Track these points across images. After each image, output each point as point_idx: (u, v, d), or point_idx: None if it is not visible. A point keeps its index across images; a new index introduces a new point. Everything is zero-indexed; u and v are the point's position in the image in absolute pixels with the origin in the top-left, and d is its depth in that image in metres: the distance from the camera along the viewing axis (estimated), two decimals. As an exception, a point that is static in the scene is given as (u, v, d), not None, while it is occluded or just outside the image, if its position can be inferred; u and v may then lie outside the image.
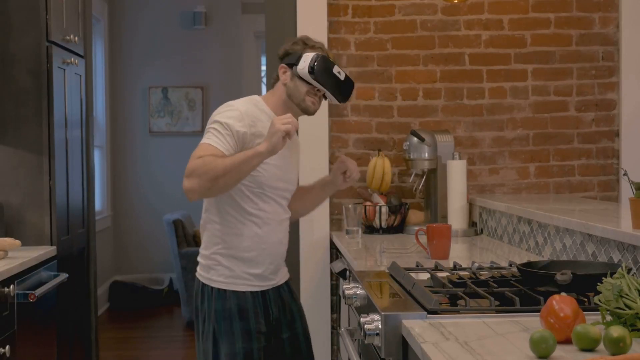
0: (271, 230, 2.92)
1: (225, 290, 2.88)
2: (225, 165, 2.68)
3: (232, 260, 2.89)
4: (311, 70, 2.84)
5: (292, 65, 2.90)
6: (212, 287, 2.90)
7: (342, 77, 2.91)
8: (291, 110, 2.91)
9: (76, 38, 4.22)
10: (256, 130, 2.83)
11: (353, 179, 3.05)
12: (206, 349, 2.88)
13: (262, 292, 2.93)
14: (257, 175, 2.83)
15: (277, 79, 2.96)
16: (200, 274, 2.95)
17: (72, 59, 4.15)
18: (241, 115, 2.82)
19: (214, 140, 2.77)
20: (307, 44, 2.93)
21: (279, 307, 2.97)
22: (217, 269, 2.91)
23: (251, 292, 2.90)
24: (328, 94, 2.91)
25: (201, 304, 2.91)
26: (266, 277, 2.93)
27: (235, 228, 2.88)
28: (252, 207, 2.87)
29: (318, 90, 2.90)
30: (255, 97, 2.97)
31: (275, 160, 2.85)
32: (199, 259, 2.99)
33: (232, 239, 2.89)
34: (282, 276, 3.03)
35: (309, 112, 2.94)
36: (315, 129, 4.35)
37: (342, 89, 2.93)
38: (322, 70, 2.86)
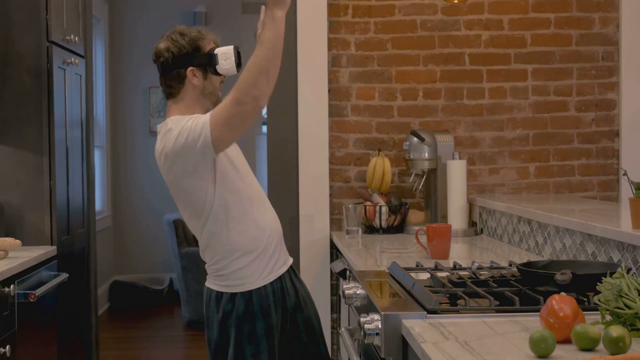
0: (268, 207, 2.89)
1: (249, 291, 2.80)
2: (264, 55, 2.64)
3: (243, 259, 2.81)
4: (239, 65, 2.81)
5: (205, 65, 2.79)
6: (231, 293, 2.80)
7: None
8: (204, 107, 2.84)
9: (76, 38, 4.22)
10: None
11: None
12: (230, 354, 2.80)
13: (280, 277, 2.86)
14: (229, 168, 2.79)
15: (181, 82, 2.80)
16: (213, 282, 2.86)
17: (73, 59, 4.16)
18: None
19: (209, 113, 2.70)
20: (202, 37, 2.82)
21: (294, 292, 2.92)
22: (232, 275, 2.81)
23: (271, 283, 2.81)
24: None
25: (216, 312, 2.83)
26: (279, 256, 2.86)
27: (235, 228, 2.80)
28: (239, 186, 2.80)
29: (222, 81, 2.87)
30: (170, 119, 2.79)
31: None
32: (209, 274, 2.90)
33: (237, 239, 2.80)
34: (287, 257, 2.95)
35: (219, 102, 2.80)
36: (315, 129, 4.35)
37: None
38: (240, 60, 2.83)
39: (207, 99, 2.85)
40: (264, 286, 2.81)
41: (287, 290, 2.88)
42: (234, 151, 2.88)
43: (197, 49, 2.81)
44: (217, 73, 2.82)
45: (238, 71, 2.80)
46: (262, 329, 2.77)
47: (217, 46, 2.86)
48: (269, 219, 2.87)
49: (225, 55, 2.81)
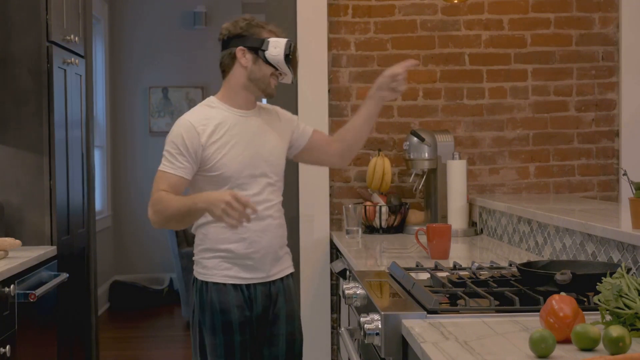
0: (252, 223, 2.77)
1: (207, 282, 2.87)
2: (172, 212, 2.74)
3: (210, 252, 2.88)
4: (287, 57, 2.85)
5: (256, 49, 2.86)
6: (198, 280, 2.91)
7: (297, 56, 2.94)
8: (251, 93, 2.90)
9: (76, 38, 4.22)
10: (210, 130, 2.82)
11: (400, 87, 2.97)
12: (194, 338, 2.92)
13: (247, 285, 2.88)
14: (220, 172, 2.81)
15: (232, 61, 2.90)
16: (194, 268, 2.98)
17: (73, 59, 4.16)
18: (189, 126, 2.82)
19: (167, 166, 2.80)
20: (263, 26, 2.90)
21: (263, 302, 2.90)
22: (199, 263, 2.91)
23: (233, 285, 2.86)
24: (290, 75, 2.91)
25: (194, 295, 2.94)
26: (254, 268, 2.87)
27: (218, 230, 2.85)
28: None
29: (279, 72, 2.89)
30: (210, 98, 2.95)
31: (243, 148, 2.84)
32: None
33: (214, 231, 2.87)
34: (275, 269, 2.94)
35: (272, 95, 2.94)
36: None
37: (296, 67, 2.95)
38: (293, 55, 2.88)
39: (254, 84, 2.89)
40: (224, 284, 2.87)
41: (256, 298, 2.90)
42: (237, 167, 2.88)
43: (252, 34, 2.89)
44: (265, 59, 2.86)
45: (286, 63, 2.85)
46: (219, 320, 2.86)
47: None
48: (256, 228, 2.88)
49: (276, 43, 2.86)
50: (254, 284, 2.89)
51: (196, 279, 2.92)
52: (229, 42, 2.91)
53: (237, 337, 2.85)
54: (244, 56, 2.87)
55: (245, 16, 2.96)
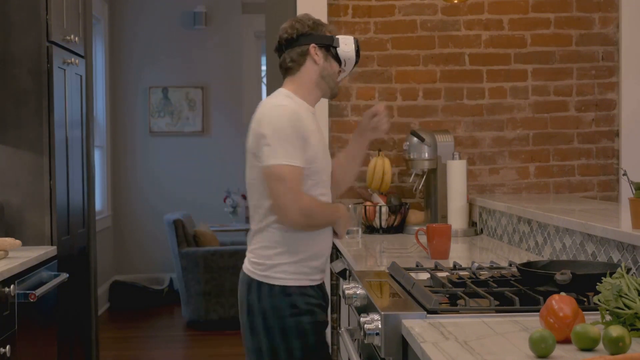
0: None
1: (289, 286, 2.82)
2: (321, 223, 2.85)
3: (298, 255, 2.85)
4: (357, 52, 2.91)
5: (328, 46, 2.89)
6: (271, 285, 2.83)
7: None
8: (320, 90, 2.92)
9: (76, 38, 4.22)
10: (305, 122, 2.79)
11: (382, 126, 3.02)
12: (276, 345, 2.83)
13: (320, 285, 2.91)
14: (312, 166, 2.79)
15: (303, 59, 2.88)
16: (253, 271, 2.87)
17: (73, 59, 4.16)
18: (297, 114, 2.78)
19: (288, 157, 2.72)
20: (325, 25, 2.94)
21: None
22: (277, 267, 2.83)
23: (311, 287, 2.86)
24: (346, 73, 2.97)
25: (258, 300, 2.86)
26: (323, 269, 2.93)
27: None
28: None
29: (341, 69, 2.93)
30: (283, 90, 2.90)
31: (322, 145, 2.88)
32: (250, 256, 2.90)
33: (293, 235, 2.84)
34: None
35: (337, 94, 3.01)
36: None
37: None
38: (359, 53, 2.94)
39: (325, 81, 2.91)
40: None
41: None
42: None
43: (321, 32, 2.92)
44: (337, 56, 2.90)
45: (356, 61, 2.93)
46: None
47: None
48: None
49: (346, 40, 2.92)
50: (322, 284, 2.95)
51: (271, 284, 2.83)
52: (297, 40, 2.89)
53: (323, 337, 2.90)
54: (316, 53, 2.89)
55: (307, 15, 2.97)
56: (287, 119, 2.74)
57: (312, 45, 2.89)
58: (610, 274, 1.91)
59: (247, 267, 2.88)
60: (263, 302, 2.80)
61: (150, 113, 8.25)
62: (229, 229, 7.73)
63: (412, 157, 4.18)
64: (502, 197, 4.23)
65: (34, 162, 3.79)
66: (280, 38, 2.93)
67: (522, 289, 2.26)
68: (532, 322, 1.94)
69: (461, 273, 2.58)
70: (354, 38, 2.94)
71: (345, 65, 2.93)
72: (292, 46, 2.90)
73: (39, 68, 3.79)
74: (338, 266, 3.30)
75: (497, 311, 2.09)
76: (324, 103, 4.37)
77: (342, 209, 2.92)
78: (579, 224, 2.85)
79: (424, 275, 2.63)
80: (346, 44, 2.91)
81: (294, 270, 2.82)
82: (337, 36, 2.92)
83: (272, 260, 2.83)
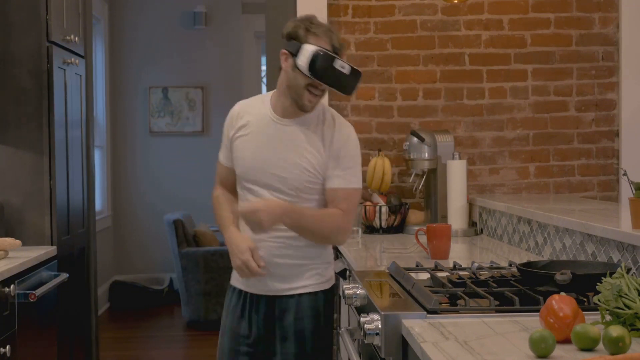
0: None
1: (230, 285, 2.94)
2: (217, 218, 2.91)
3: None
4: (310, 67, 2.62)
5: (293, 54, 2.67)
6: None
7: (346, 70, 2.66)
8: (288, 100, 2.73)
9: (76, 38, 4.22)
10: (243, 124, 2.80)
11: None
12: None
13: (251, 294, 2.79)
14: (236, 168, 2.83)
15: (279, 65, 2.77)
16: None
17: (73, 59, 4.16)
18: (233, 114, 2.85)
19: (220, 152, 2.91)
20: (310, 29, 2.67)
21: (265, 315, 2.78)
22: None
23: (238, 290, 2.83)
24: (331, 88, 2.71)
25: None
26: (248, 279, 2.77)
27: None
28: (240, 200, 2.85)
29: (318, 83, 2.67)
30: (271, 93, 2.85)
31: (260, 152, 2.74)
32: None
33: None
34: (280, 283, 2.77)
35: (305, 110, 2.72)
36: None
37: (347, 83, 2.68)
38: (323, 68, 2.62)
39: (289, 92, 2.72)
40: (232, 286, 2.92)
41: (259, 310, 2.81)
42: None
43: (296, 37, 2.68)
44: (295, 66, 2.67)
45: (311, 75, 2.63)
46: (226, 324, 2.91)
47: (328, 49, 2.66)
48: (258, 239, 2.78)
49: (305, 51, 2.64)
50: (256, 295, 2.82)
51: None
52: (283, 42, 2.75)
53: (241, 346, 2.90)
54: (286, 60, 2.72)
55: (305, 16, 2.78)
56: (228, 117, 2.87)
57: (282, 50, 2.72)
58: (610, 274, 1.91)
59: None
60: None
61: (150, 113, 8.25)
62: (229, 229, 7.70)
63: (412, 157, 4.18)
64: (502, 197, 4.23)
65: (34, 162, 3.79)
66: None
67: (522, 289, 2.26)
68: (532, 322, 1.94)
69: (461, 273, 2.58)
70: (318, 49, 2.62)
71: (319, 80, 2.65)
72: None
73: (39, 68, 3.79)
74: (338, 266, 3.30)
75: (497, 311, 2.09)
76: (324, 103, 4.36)
77: (232, 238, 2.74)
78: (579, 224, 2.85)
79: (424, 275, 2.63)
80: (304, 55, 2.63)
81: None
82: (305, 45, 2.64)
83: None
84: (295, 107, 2.73)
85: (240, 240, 2.73)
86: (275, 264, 2.76)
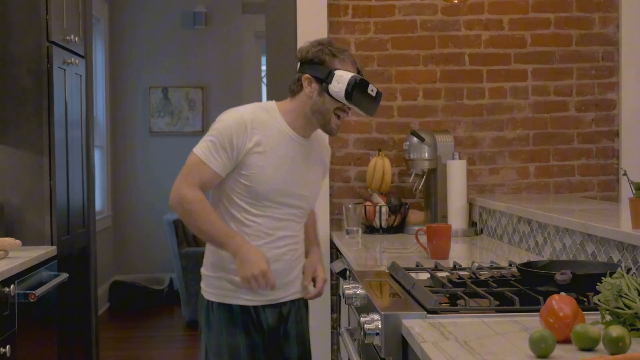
0: (264, 245, 2.73)
1: (212, 302, 2.82)
2: (202, 228, 2.70)
3: (219, 272, 2.80)
4: (348, 94, 2.65)
5: (321, 80, 2.68)
6: (204, 298, 2.86)
7: (374, 94, 2.72)
8: (310, 124, 2.76)
9: (76, 38, 4.22)
10: (259, 139, 2.68)
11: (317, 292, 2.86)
12: (200, 357, 2.86)
13: (255, 307, 2.78)
14: (251, 185, 2.70)
15: (300, 87, 2.74)
16: (201, 285, 2.91)
17: (73, 59, 4.16)
18: (243, 124, 2.68)
19: (206, 153, 2.67)
20: (337, 55, 2.71)
21: (273, 323, 2.82)
22: (206, 280, 2.86)
23: (240, 306, 2.78)
24: (359, 111, 2.75)
25: (199, 314, 2.91)
26: (256, 292, 2.75)
27: None
28: (244, 217, 2.73)
29: (348, 107, 2.73)
30: (270, 103, 2.79)
31: (278, 171, 2.71)
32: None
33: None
34: (283, 292, 2.81)
35: (331, 133, 2.79)
36: (315, 129, 4.35)
37: (374, 105, 2.76)
38: (359, 94, 2.67)
39: (315, 116, 2.73)
40: (230, 305, 2.81)
41: (267, 317, 2.82)
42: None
43: (322, 62, 2.71)
44: (327, 91, 2.68)
45: (348, 101, 2.67)
46: (224, 343, 2.83)
47: (352, 73, 2.70)
48: (269, 255, 2.74)
49: (340, 78, 2.66)
50: (260, 306, 2.80)
51: (203, 296, 2.89)
52: (301, 65, 2.75)
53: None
54: (309, 85, 2.71)
55: (323, 39, 2.80)
56: (226, 124, 2.70)
57: (306, 76, 2.72)
58: (610, 274, 1.91)
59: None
60: (199, 314, 2.91)
61: (150, 113, 8.25)
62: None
63: (412, 157, 4.18)
64: (502, 197, 4.23)
65: (34, 162, 3.79)
66: (296, 57, 2.82)
67: (522, 289, 2.26)
68: (532, 322, 1.94)
69: (461, 273, 2.58)
70: (354, 76, 2.67)
71: (354, 106, 2.69)
72: (299, 70, 2.78)
73: (39, 68, 3.79)
74: (338, 266, 3.30)
75: (497, 311, 2.09)
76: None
77: (242, 249, 2.65)
78: (579, 224, 2.85)
79: (424, 275, 2.63)
80: (338, 82, 2.65)
81: (215, 284, 2.81)
82: (337, 71, 2.67)
83: (203, 270, 2.89)
84: (321, 130, 2.79)
85: (255, 250, 2.67)
86: (285, 272, 2.81)
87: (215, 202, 2.80)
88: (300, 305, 2.90)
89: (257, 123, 2.71)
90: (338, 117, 2.75)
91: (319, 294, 2.88)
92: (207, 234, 2.72)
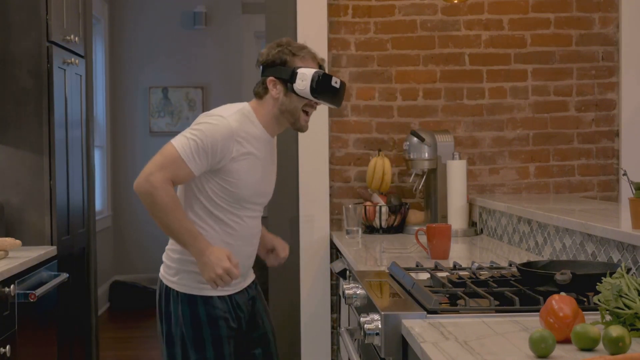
0: (244, 243, 2.82)
1: (194, 295, 2.79)
2: (168, 223, 2.69)
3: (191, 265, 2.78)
4: (313, 90, 2.72)
5: (285, 80, 2.75)
6: (177, 291, 2.80)
7: (338, 85, 2.78)
8: (280, 124, 2.82)
9: (76, 38, 4.22)
10: (244, 148, 2.72)
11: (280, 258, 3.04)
12: (175, 353, 2.79)
13: (230, 295, 2.83)
14: (235, 191, 2.73)
15: (265, 89, 2.80)
16: (164, 276, 2.85)
17: (73, 59, 4.16)
18: (231, 134, 2.70)
19: (187, 152, 2.68)
20: (296, 53, 2.77)
21: (247, 308, 2.89)
22: (183, 274, 2.80)
23: (219, 297, 2.79)
24: (326, 104, 2.83)
25: (166, 306, 2.82)
26: (234, 283, 2.80)
27: (207, 234, 2.74)
28: (229, 218, 2.77)
29: (315, 102, 2.79)
30: (246, 106, 2.81)
31: (255, 175, 2.77)
32: (164, 257, 2.88)
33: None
34: (249, 279, 2.94)
35: (302, 130, 2.84)
36: (315, 128, 4.34)
37: (339, 96, 2.81)
38: (323, 88, 2.74)
39: (284, 116, 2.79)
40: (211, 297, 2.80)
41: (240, 304, 2.86)
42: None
43: (283, 62, 2.77)
44: (293, 91, 2.75)
45: (314, 96, 2.74)
46: (208, 334, 2.81)
47: (315, 69, 2.77)
48: (246, 252, 2.85)
49: (303, 75, 2.73)
50: (235, 294, 2.85)
51: (173, 289, 2.83)
52: (263, 69, 2.82)
53: (227, 349, 2.80)
54: (275, 87, 2.78)
55: (281, 40, 2.84)
56: (213, 130, 2.69)
57: (271, 78, 2.78)
58: (610, 274, 1.91)
59: (161, 270, 2.88)
60: (170, 309, 2.81)
61: (150, 113, 8.25)
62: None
63: (412, 157, 4.18)
64: (502, 197, 4.23)
65: (34, 162, 3.79)
66: (257, 62, 2.86)
67: (522, 289, 2.26)
68: (532, 322, 1.94)
69: (461, 273, 2.58)
70: (316, 71, 2.73)
71: (320, 100, 2.76)
72: (262, 73, 2.83)
73: (39, 68, 3.79)
74: (338, 266, 3.31)
75: (497, 311, 2.09)
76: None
77: (205, 250, 2.65)
78: (579, 224, 2.85)
79: (424, 275, 2.63)
80: (303, 79, 2.72)
81: (196, 279, 2.77)
82: (299, 69, 2.73)
83: (178, 264, 2.82)
84: (292, 128, 2.85)
85: (217, 250, 2.67)
86: (247, 261, 2.90)
87: (189, 200, 2.81)
88: (257, 282, 3.02)
89: (244, 132, 2.74)
90: (306, 113, 2.82)
91: (285, 257, 3.06)
92: (172, 230, 2.71)
